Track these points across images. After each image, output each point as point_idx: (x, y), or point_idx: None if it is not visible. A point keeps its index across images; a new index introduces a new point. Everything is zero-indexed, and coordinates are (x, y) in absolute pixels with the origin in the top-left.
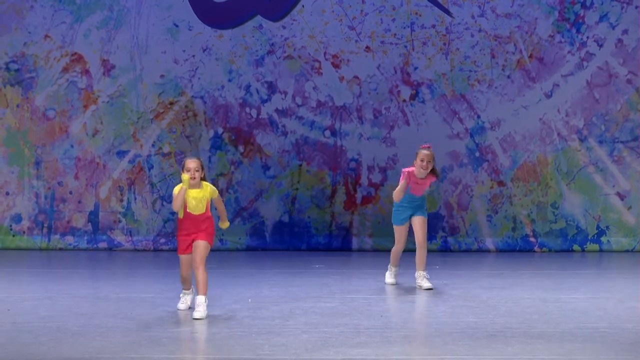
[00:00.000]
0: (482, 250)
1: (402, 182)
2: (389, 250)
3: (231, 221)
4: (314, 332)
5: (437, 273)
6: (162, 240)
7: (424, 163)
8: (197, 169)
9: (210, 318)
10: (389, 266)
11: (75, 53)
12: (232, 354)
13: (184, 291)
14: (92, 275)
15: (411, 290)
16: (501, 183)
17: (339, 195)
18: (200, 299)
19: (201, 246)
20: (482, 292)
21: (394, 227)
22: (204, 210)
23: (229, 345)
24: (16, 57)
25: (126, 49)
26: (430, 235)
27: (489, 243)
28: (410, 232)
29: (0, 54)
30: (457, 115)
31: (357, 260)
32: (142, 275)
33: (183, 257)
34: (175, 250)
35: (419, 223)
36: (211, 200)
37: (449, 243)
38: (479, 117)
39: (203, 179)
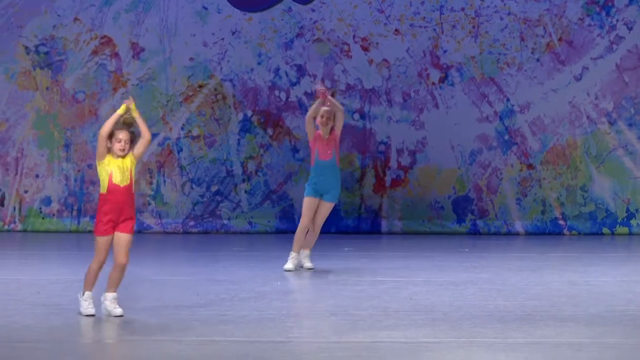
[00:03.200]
0: (511, 234)
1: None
2: (419, 234)
3: (260, 204)
4: (343, 315)
5: (466, 256)
6: (191, 223)
7: (324, 119)
8: (127, 140)
9: (239, 301)
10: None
11: (105, 36)
12: (262, 336)
13: (86, 293)
14: None
15: (439, 273)
16: (530, 166)
17: (368, 178)
18: (113, 295)
19: (127, 242)
20: (511, 275)
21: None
22: (128, 181)
23: (258, 328)
24: (46, 40)
25: (155, 31)
26: (460, 218)
27: (518, 226)
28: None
29: (30, 36)
30: (486, 99)
31: (386, 243)
32: (171, 258)
33: (102, 240)
34: (204, 232)
35: (325, 207)
36: (134, 171)
37: (478, 226)
38: (508, 100)
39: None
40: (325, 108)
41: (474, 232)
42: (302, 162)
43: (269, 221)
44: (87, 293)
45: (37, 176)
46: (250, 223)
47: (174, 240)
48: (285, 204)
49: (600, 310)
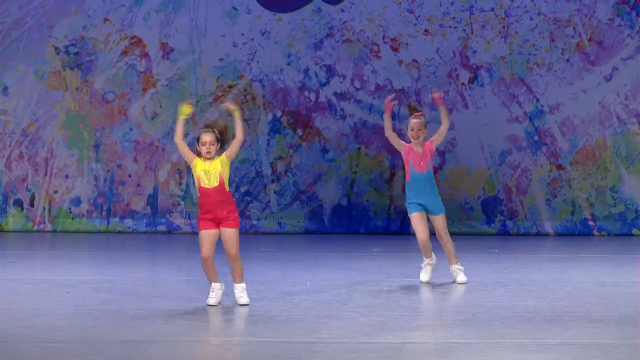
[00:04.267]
0: (540, 234)
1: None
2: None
3: (289, 204)
4: (372, 316)
5: (496, 257)
6: None
7: (414, 132)
8: (212, 142)
9: (268, 301)
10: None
11: (135, 36)
12: (291, 337)
13: (211, 285)
14: (151, 259)
15: (469, 274)
16: (560, 167)
17: (397, 179)
18: (242, 286)
19: (232, 237)
20: (541, 276)
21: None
22: (217, 184)
23: (287, 329)
24: (75, 41)
25: (185, 32)
26: (489, 219)
27: (548, 227)
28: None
29: (60, 37)
30: (516, 99)
31: (415, 243)
32: (200, 258)
33: (204, 234)
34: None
35: (437, 221)
36: (228, 174)
37: (508, 227)
38: (537, 100)
39: (223, 146)
40: (414, 120)
41: (504, 233)
42: (332, 162)
43: (298, 222)
44: (212, 285)
45: (66, 177)
46: (279, 224)
47: None
48: (315, 205)
49: (630, 311)
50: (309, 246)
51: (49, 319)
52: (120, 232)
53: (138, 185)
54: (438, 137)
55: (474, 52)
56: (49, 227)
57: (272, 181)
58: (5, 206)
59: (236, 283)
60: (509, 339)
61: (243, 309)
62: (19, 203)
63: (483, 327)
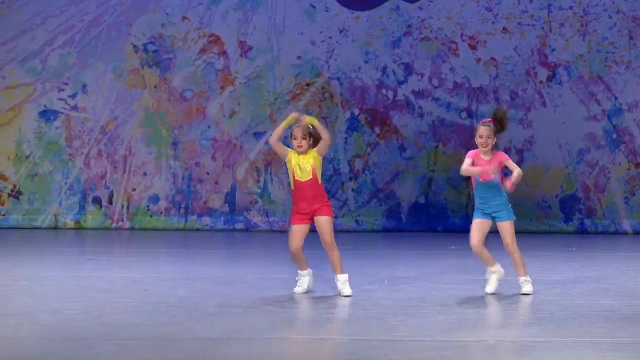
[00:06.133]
0: (619, 233)
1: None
2: (526, 233)
3: (367, 203)
4: (450, 314)
5: (574, 255)
6: None
7: (483, 140)
8: (303, 137)
9: (346, 299)
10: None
11: (213, 34)
12: (369, 335)
13: (300, 273)
14: (229, 256)
15: (547, 272)
16: (639, 165)
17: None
18: (343, 277)
19: (325, 224)
20: (619, 275)
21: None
22: (311, 177)
23: (365, 327)
24: (154, 39)
25: (263, 30)
26: (567, 217)
27: (626, 225)
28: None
29: (138, 35)
30: (594, 97)
31: (492, 242)
32: (278, 256)
33: (295, 227)
34: (311, 230)
35: (504, 228)
36: (321, 169)
37: (586, 225)
38: (616, 99)
39: (316, 142)
40: (483, 127)
41: (582, 232)
42: (409, 161)
43: (376, 220)
44: (300, 272)
45: (145, 174)
46: (357, 222)
47: (280, 239)
48: (392, 203)
49: None
50: (387, 244)
51: (126, 316)
52: (198, 230)
53: (216, 183)
54: (514, 168)
55: (553, 50)
56: (127, 224)
57: (350, 179)
58: (84, 204)
59: (337, 274)
60: (587, 338)
61: (320, 308)
62: (97, 201)
63: (560, 326)
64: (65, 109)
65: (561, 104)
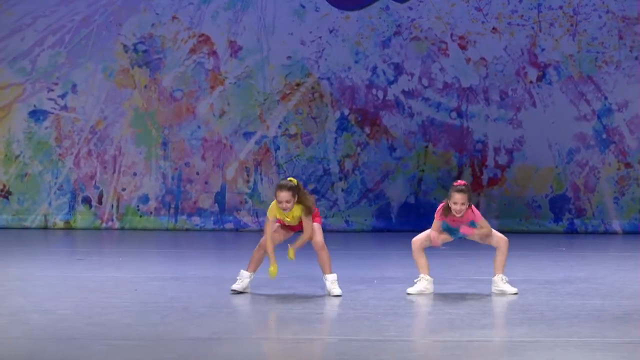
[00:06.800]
0: (608, 233)
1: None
2: (516, 232)
3: (357, 202)
4: (439, 314)
5: (563, 255)
6: None
7: (457, 206)
8: (287, 200)
9: (335, 299)
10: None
11: (203, 34)
12: (358, 334)
13: (242, 272)
14: (218, 256)
15: (536, 272)
16: (628, 165)
17: (465, 177)
18: (332, 277)
19: (316, 228)
20: (608, 275)
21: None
22: (296, 223)
23: (354, 327)
24: (144, 39)
25: (253, 30)
26: (557, 217)
27: (616, 225)
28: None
29: (128, 35)
30: (584, 97)
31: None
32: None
33: (276, 225)
34: (301, 230)
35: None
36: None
37: (576, 225)
38: (606, 98)
39: (300, 201)
40: (458, 195)
41: (571, 231)
42: (399, 160)
43: (365, 219)
44: (242, 272)
45: (134, 174)
46: (347, 221)
47: None
48: (382, 203)
49: None
50: (377, 244)
51: (116, 316)
52: (187, 229)
53: (206, 183)
54: (485, 230)
55: (542, 50)
56: (116, 224)
57: (340, 179)
58: (73, 203)
59: (326, 274)
60: (577, 338)
61: (310, 307)
62: (87, 200)
63: (550, 326)
64: (55, 108)
65: (551, 104)
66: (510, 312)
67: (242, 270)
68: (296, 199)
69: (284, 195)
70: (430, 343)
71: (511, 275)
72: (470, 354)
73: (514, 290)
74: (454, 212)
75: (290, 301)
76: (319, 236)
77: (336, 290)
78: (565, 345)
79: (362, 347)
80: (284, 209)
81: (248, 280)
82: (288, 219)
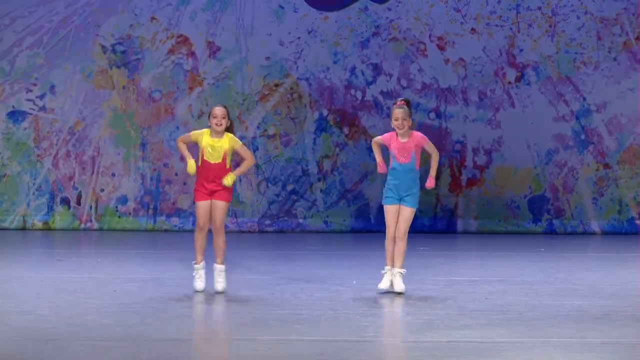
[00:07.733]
0: (587, 233)
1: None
2: (494, 233)
3: (336, 203)
4: (418, 315)
5: (542, 255)
6: (267, 222)
7: (399, 122)
8: (223, 116)
9: (315, 300)
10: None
11: (181, 35)
12: (338, 335)
13: (195, 267)
14: None
15: (515, 273)
16: (607, 165)
17: (444, 177)
18: (220, 268)
19: (220, 208)
20: (588, 275)
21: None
22: (220, 160)
23: (334, 327)
24: (122, 39)
25: (231, 31)
26: (536, 217)
27: (595, 225)
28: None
29: (106, 35)
30: (562, 98)
31: (461, 242)
32: (247, 257)
33: (200, 204)
34: (280, 231)
35: (404, 213)
36: (231, 156)
37: (555, 225)
38: (584, 99)
39: (229, 129)
40: (398, 109)
41: (550, 232)
42: None
43: (344, 220)
44: (196, 266)
45: (113, 175)
46: (325, 222)
47: (249, 239)
48: (361, 203)
49: None
50: (355, 245)
51: (95, 317)
52: (166, 230)
53: (184, 183)
54: (432, 150)
55: (521, 50)
56: (95, 225)
57: (319, 180)
58: (52, 204)
59: (217, 263)
60: (556, 338)
61: (289, 308)
62: (65, 201)
63: (530, 326)
64: (34, 109)
65: (529, 104)
66: (490, 312)
67: (194, 265)
68: (228, 123)
69: (220, 109)
70: (410, 344)
71: (490, 275)
72: (449, 354)
73: (403, 287)
74: (395, 128)
75: (269, 302)
76: (220, 220)
77: (221, 284)
78: (545, 345)
79: (341, 348)
80: (217, 125)
81: (203, 270)
82: (210, 150)
